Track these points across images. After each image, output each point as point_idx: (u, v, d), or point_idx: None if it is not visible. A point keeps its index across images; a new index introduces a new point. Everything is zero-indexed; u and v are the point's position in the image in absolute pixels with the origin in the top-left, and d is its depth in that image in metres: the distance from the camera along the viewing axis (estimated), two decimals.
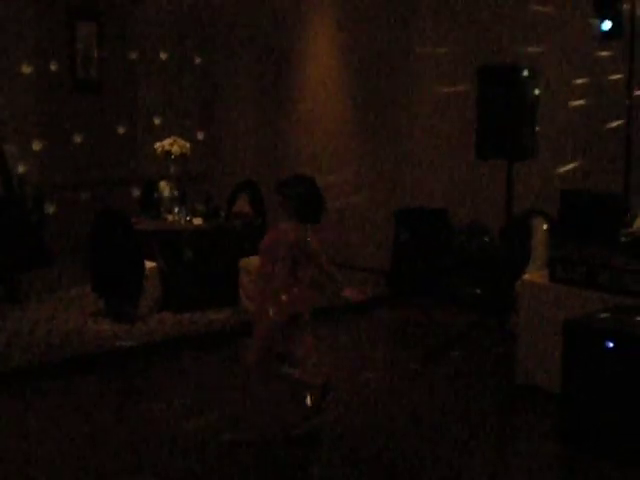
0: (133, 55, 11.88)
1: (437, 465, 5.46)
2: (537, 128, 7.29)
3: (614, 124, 8.44)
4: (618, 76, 8.34)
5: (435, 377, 7.13)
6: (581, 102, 8.67)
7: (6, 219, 8.34)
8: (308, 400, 5.82)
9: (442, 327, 8.53)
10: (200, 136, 11.25)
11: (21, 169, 9.28)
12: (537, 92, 7.27)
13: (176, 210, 9.42)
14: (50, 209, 9.51)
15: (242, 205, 10.34)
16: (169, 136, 9.78)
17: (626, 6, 8.21)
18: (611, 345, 5.37)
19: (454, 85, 9.60)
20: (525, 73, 7.15)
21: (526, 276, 6.95)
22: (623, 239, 6.66)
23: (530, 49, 8.79)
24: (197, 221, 9.38)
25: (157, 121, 11.47)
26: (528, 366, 6.68)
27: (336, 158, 11.43)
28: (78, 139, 10.58)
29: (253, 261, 9.15)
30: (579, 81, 8.70)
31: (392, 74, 10.52)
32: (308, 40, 11.81)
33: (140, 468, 5.44)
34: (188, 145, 9.67)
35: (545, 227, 7.10)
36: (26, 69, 11.01)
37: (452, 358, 7.58)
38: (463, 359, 7.52)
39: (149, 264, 8.92)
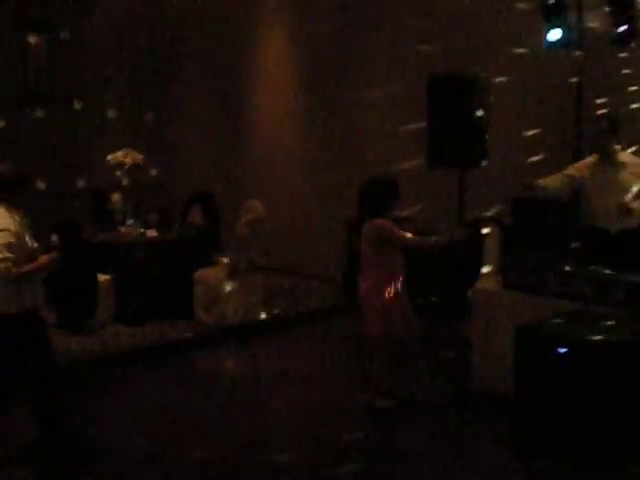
0: (85, 66, 11.81)
1: (390, 471, 5.49)
2: (488, 137, 7.36)
3: (564, 133, 8.56)
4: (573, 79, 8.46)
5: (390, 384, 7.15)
6: (532, 112, 8.78)
7: None
8: None
9: None
10: (153, 147, 11.21)
11: None
12: (488, 101, 7.33)
13: (129, 222, 9.38)
14: None
15: (196, 216, 10.33)
16: (122, 147, 9.74)
17: (574, 16, 8.37)
18: (562, 350, 5.42)
19: (407, 94, 9.65)
20: (476, 83, 7.21)
21: (479, 283, 7.01)
22: (573, 245, 6.77)
23: (482, 58, 8.87)
24: (151, 232, 9.34)
25: (109, 132, 11.41)
26: (482, 372, 6.74)
27: (289, 168, 11.45)
28: (29, 151, 10.49)
29: (208, 273, 9.16)
30: (531, 90, 8.80)
31: (345, 84, 10.56)
32: (261, 52, 11.82)
33: None
34: (141, 156, 9.62)
35: (497, 234, 7.16)
36: None
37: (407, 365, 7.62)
38: (419, 364, 7.56)
39: (102, 276, 8.87)
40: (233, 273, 8.92)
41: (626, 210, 6.91)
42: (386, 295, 6.45)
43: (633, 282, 6.05)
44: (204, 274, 9.19)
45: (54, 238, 6.25)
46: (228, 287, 8.88)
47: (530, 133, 8.75)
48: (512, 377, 5.84)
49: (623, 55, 8.42)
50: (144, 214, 9.64)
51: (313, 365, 7.83)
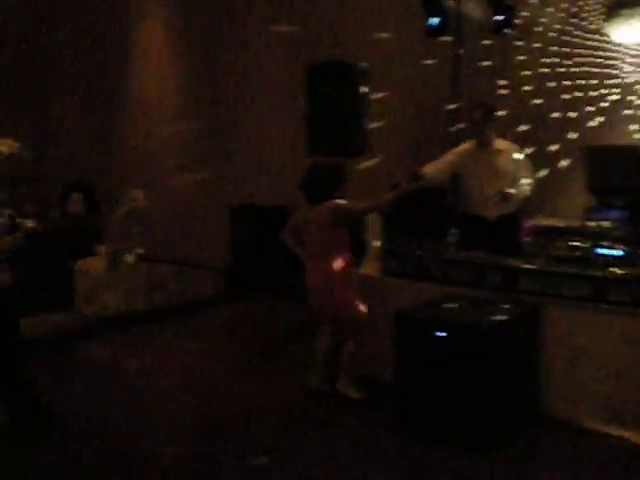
0: None
1: (272, 455, 5.49)
2: (368, 125, 7.41)
3: (445, 120, 8.69)
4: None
5: (274, 371, 7.15)
6: (412, 98, 8.87)
7: None
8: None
9: (282, 322, 8.57)
10: (31, 136, 10.94)
11: None
12: (367, 89, 7.37)
13: (6, 212, 9.11)
14: None
15: (76, 206, 10.14)
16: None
17: (452, 3, 8.50)
18: (440, 334, 5.50)
19: (286, 82, 9.64)
20: (354, 70, 7.24)
21: (361, 270, 7.05)
22: (452, 231, 6.87)
23: (361, 46, 8.92)
24: (29, 223, 9.11)
25: None
26: (366, 358, 6.78)
27: (172, 158, 11.32)
28: None
29: (88, 263, 9.00)
30: (410, 77, 8.88)
31: (224, 74, 10.50)
32: (137, 43, 11.65)
33: None
34: (17, 145, 9.35)
35: (373, 221, 7.21)
36: None
37: (291, 352, 7.63)
38: (301, 352, 7.57)
39: None
40: (114, 263, 8.79)
41: (504, 197, 7.07)
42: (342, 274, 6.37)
43: (510, 266, 6.18)
44: (85, 264, 9.03)
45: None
46: (109, 277, 8.74)
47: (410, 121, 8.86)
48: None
49: (498, 42, 8.62)
50: (21, 204, 9.39)
51: (197, 354, 7.77)
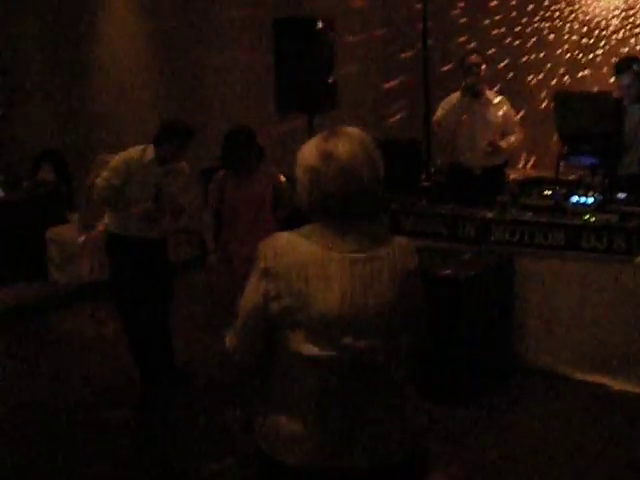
0: None
1: None
2: (336, 79, 7.32)
3: (411, 75, 8.60)
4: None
5: None
6: (378, 52, 8.77)
7: None
8: None
9: None
10: None
11: None
12: (333, 44, 7.28)
13: None
14: None
15: (47, 174, 10.04)
16: None
17: None
18: None
19: (252, 39, 9.51)
20: (320, 25, 7.14)
21: None
22: (425, 184, 6.82)
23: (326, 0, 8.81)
24: None
25: None
26: None
27: (140, 123, 11.16)
28: None
29: (61, 231, 8.91)
30: (376, 32, 8.79)
31: (190, 34, 10.34)
32: (103, 6, 11.46)
33: None
34: None
35: None
36: None
37: None
38: None
39: None
40: (86, 230, 8.69)
41: (495, 148, 6.97)
42: None
43: (483, 218, 6.12)
44: (57, 232, 8.91)
45: None
46: (82, 245, 8.64)
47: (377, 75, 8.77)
48: None
49: None
50: None
51: (175, 320, 7.69)
